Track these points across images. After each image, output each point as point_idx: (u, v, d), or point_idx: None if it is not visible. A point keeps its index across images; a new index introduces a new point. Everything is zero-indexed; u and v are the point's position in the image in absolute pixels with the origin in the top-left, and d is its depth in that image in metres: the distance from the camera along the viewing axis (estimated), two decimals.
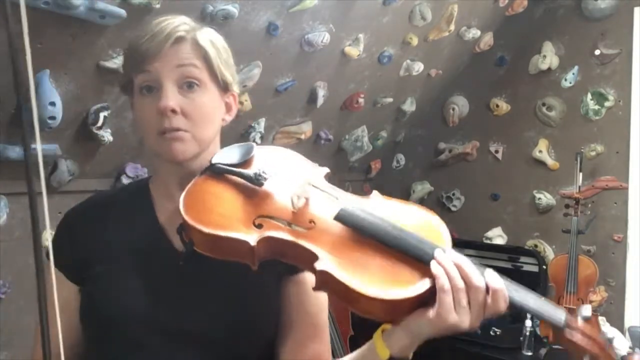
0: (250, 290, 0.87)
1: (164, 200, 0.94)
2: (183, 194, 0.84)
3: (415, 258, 0.74)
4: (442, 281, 0.71)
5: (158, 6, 1.47)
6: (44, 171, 1.67)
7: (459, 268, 0.73)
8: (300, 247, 0.77)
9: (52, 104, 1.48)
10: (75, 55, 1.49)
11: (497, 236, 3.14)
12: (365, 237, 0.77)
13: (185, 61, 0.85)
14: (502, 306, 0.73)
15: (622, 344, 2.70)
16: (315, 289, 0.75)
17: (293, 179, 0.86)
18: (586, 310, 0.78)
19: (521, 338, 2.53)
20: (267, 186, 0.84)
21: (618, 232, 2.79)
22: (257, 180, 0.84)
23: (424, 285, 0.72)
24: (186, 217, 0.80)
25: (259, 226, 0.79)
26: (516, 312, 2.86)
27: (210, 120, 0.89)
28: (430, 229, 0.81)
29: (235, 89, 0.94)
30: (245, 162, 0.89)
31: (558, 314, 0.76)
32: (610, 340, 0.74)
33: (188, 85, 0.86)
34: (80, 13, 1.35)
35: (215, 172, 0.87)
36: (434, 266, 0.73)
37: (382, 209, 0.83)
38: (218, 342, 0.85)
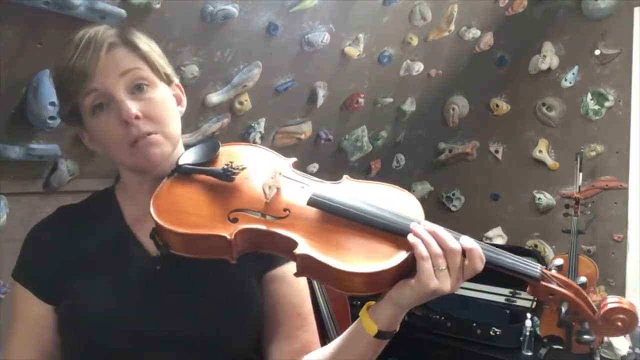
0: (230, 289, 0.87)
1: (132, 207, 0.93)
2: (152, 198, 0.83)
3: (392, 232, 0.77)
4: (420, 249, 0.74)
5: (158, 6, 1.47)
6: (44, 171, 1.67)
7: (434, 235, 0.76)
8: (278, 236, 0.78)
9: (52, 104, 1.48)
10: None
11: (497, 236, 3.14)
12: (340, 218, 0.79)
13: (127, 67, 0.83)
14: (479, 265, 0.77)
15: (622, 344, 2.71)
16: (297, 274, 0.77)
17: (262, 170, 0.87)
18: (558, 261, 0.84)
19: (521, 338, 2.53)
20: (237, 180, 0.84)
21: (618, 232, 2.79)
22: (226, 176, 0.84)
23: (402, 255, 0.75)
24: (159, 221, 0.79)
25: (234, 220, 0.80)
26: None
27: (171, 115, 0.88)
28: (402, 203, 0.83)
29: (175, 79, 0.93)
30: (212, 160, 0.89)
31: (533, 267, 0.80)
32: (584, 284, 0.80)
33: (138, 88, 0.84)
34: (80, 13, 1.35)
35: (183, 173, 0.86)
36: (411, 237, 0.75)
37: (354, 191, 0.85)
38: (202, 343, 0.84)
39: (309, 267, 0.75)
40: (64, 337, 0.89)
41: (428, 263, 0.74)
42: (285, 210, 0.81)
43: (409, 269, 0.75)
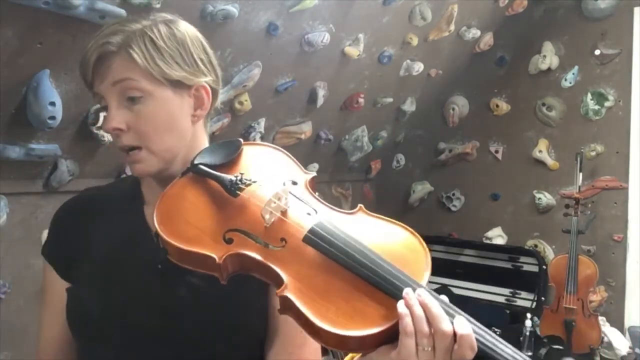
0: (230, 296, 0.84)
1: (152, 197, 0.92)
2: (161, 196, 0.82)
3: (384, 292, 0.70)
4: (406, 323, 0.66)
5: (158, 6, 1.47)
6: (44, 171, 1.66)
7: (426, 310, 0.67)
8: (268, 267, 0.74)
9: (52, 104, 1.48)
10: (75, 55, 1.49)
11: (497, 236, 3.14)
12: (334, 263, 0.73)
13: (118, 77, 0.81)
14: (469, 354, 0.68)
15: (622, 344, 2.73)
16: (280, 311, 0.73)
17: (272, 187, 0.81)
18: None
19: (521, 338, 2.53)
20: (244, 194, 0.80)
21: (618, 232, 2.79)
22: (231, 190, 0.80)
23: (387, 323, 0.68)
24: (157, 227, 0.78)
25: (229, 241, 0.76)
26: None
27: (165, 128, 0.85)
28: (409, 256, 0.75)
29: (202, 79, 0.87)
30: (230, 162, 0.86)
31: None
32: None
33: (130, 99, 0.82)
34: (80, 13, 1.35)
35: (197, 173, 0.84)
36: (400, 306, 0.68)
37: (360, 230, 0.78)
38: (197, 344, 0.84)
39: (290, 309, 0.71)
40: (67, 321, 0.90)
41: (411, 340, 0.66)
42: (282, 240, 0.76)
43: (394, 335, 0.68)
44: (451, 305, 0.70)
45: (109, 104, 0.83)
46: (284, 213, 0.79)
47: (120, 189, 0.98)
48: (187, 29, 0.88)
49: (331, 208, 0.82)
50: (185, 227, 0.79)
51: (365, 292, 0.71)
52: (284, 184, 0.83)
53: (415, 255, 0.75)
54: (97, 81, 0.83)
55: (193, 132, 0.89)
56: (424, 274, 0.73)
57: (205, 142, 0.92)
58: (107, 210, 0.94)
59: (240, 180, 0.82)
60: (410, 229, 0.79)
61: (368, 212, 0.81)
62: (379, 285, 0.71)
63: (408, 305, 0.67)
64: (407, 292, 0.68)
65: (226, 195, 0.81)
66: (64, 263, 0.92)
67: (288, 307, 0.71)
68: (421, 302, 0.68)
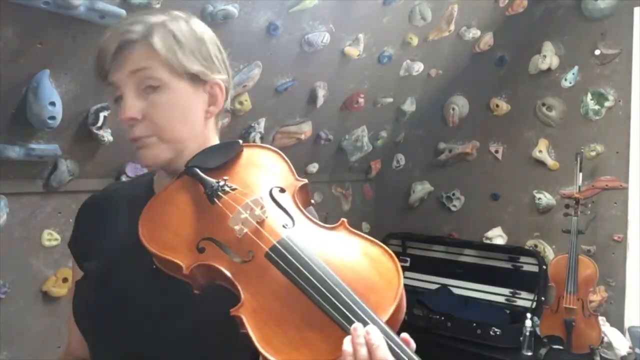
0: (223, 295, 0.80)
1: None
2: (152, 199, 0.82)
3: (336, 324, 0.66)
4: None
5: (158, 6, 1.47)
6: (44, 171, 1.68)
7: (371, 352, 0.63)
8: (231, 281, 0.72)
9: (52, 104, 1.48)
10: (75, 55, 1.49)
11: (497, 236, 3.13)
12: (293, 285, 0.70)
13: (137, 66, 0.82)
14: None
15: (622, 344, 2.73)
16: (236, 325, 0.71)
17: (252, 195, 0.79)
18: None
19: (521, 338, 2.53)
20: (221, 203, 0.79)
21: (618, 232, 2.79)
22: (209, 196, 0.79)
23: (332, 358, 0.65)
24: (139, 230, 0.78)
25: (202, 250, 0.75)
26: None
27: (179, 119, 0.85)
28: (379, 283, 0.70)
29: (217, 77, 0.88)
30: (225, 165, 0.85)
31: None
32: None
33: (147, 88, 0.83)
34: (80, 13, 1.35)
35: (190, 176, 0.84)
36: (345, 343, 0.64)
37: (332, 249, 0.74)
38: (189, 346, 0.82)
39: (243, 329, 0.69)
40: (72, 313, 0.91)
41: None
42: (249, 253, 0.74)
43: None
44: (404, 348, 0.65)
45: (125, 93, 0.83)
46: (259, 224, 0.76)
47: (135, 186, 1.00)
48: (203, 27, 0.89)
49: (311, 220, 0.79)
50: (164, 232, 0.78)
51: (319, 321, 0.67)
52: (270, 192, 0.81)
53: (386, 284, 0.70)
54: (113, 70, 0.83)
55: (204, 129, 0.90)
56: (389, 307, 0.67)
57: (214, 141, 0.92)
58: (121, 207, 0.95)
59: (222, 187, 0.80)
60: (390, 251, 0.73)
61: (350, 228, 0.78)
62: (330, 315, 0.67)
63: (353, 344, 0.63)
64: (355, 327, 0.64)
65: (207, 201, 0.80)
66: (80, 256, 0.95)
67: (241, 326, 0.69)
68: (367, 342, 0.63)
